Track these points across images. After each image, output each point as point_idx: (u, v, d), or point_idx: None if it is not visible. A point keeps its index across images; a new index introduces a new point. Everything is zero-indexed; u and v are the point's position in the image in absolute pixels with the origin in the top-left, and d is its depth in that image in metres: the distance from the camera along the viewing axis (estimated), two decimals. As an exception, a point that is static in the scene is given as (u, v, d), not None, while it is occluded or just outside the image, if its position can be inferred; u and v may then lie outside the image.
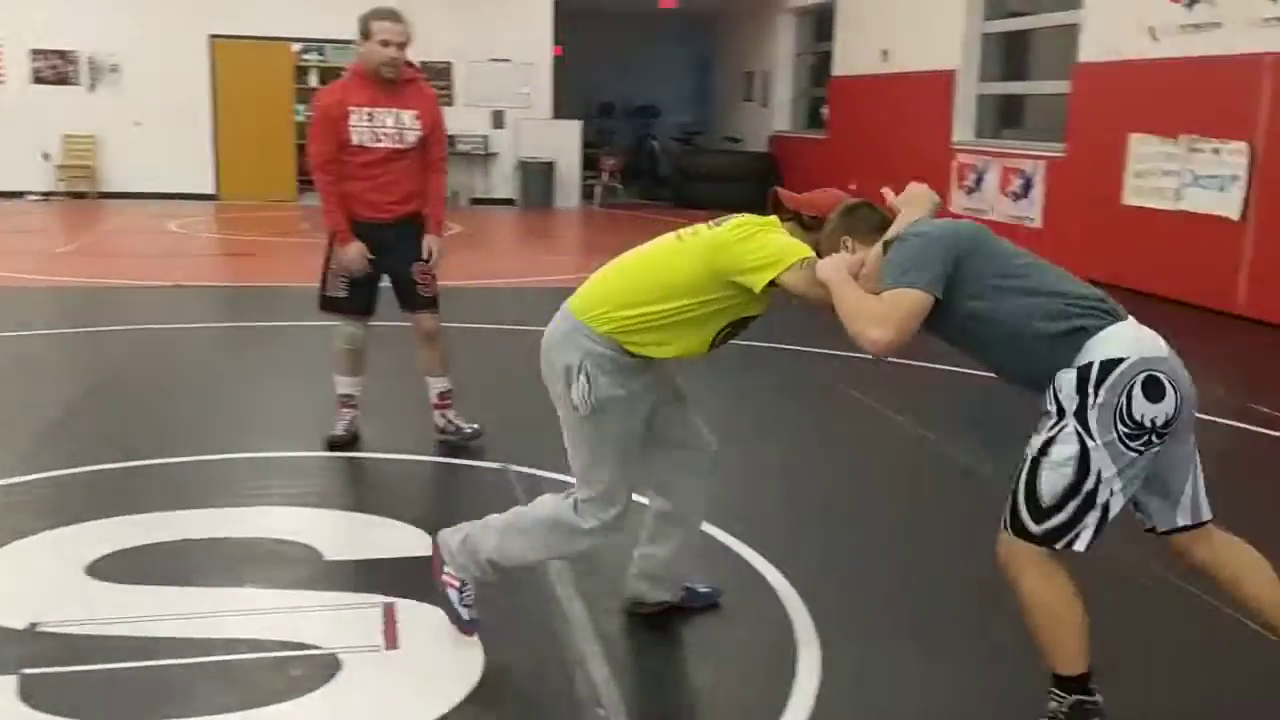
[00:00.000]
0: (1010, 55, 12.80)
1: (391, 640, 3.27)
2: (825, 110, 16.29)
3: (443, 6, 15.71)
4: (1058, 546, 2.63)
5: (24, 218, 13.63)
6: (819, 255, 2.87)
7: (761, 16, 18.24)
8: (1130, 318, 2.66)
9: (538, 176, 16.86)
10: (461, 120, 15.47)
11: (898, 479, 5.09)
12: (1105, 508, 2.59)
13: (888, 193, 2.95)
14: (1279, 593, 2.72)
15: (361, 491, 4.67)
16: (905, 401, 6.16)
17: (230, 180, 16.26)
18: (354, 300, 4.83)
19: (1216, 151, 8.83)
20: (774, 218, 3.00)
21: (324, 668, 3.07)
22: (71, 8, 15.31)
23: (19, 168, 15.18)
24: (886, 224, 2.85)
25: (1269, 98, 8.40)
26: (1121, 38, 9.84)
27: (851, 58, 15.29)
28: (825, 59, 16.41)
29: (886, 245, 2.77)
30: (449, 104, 16.10)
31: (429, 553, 3.37)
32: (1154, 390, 2.54)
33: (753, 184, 16.52)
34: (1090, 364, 2.56)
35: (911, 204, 2.88)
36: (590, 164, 17.90)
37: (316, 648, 3.18)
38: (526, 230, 15.03)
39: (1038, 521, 2.62)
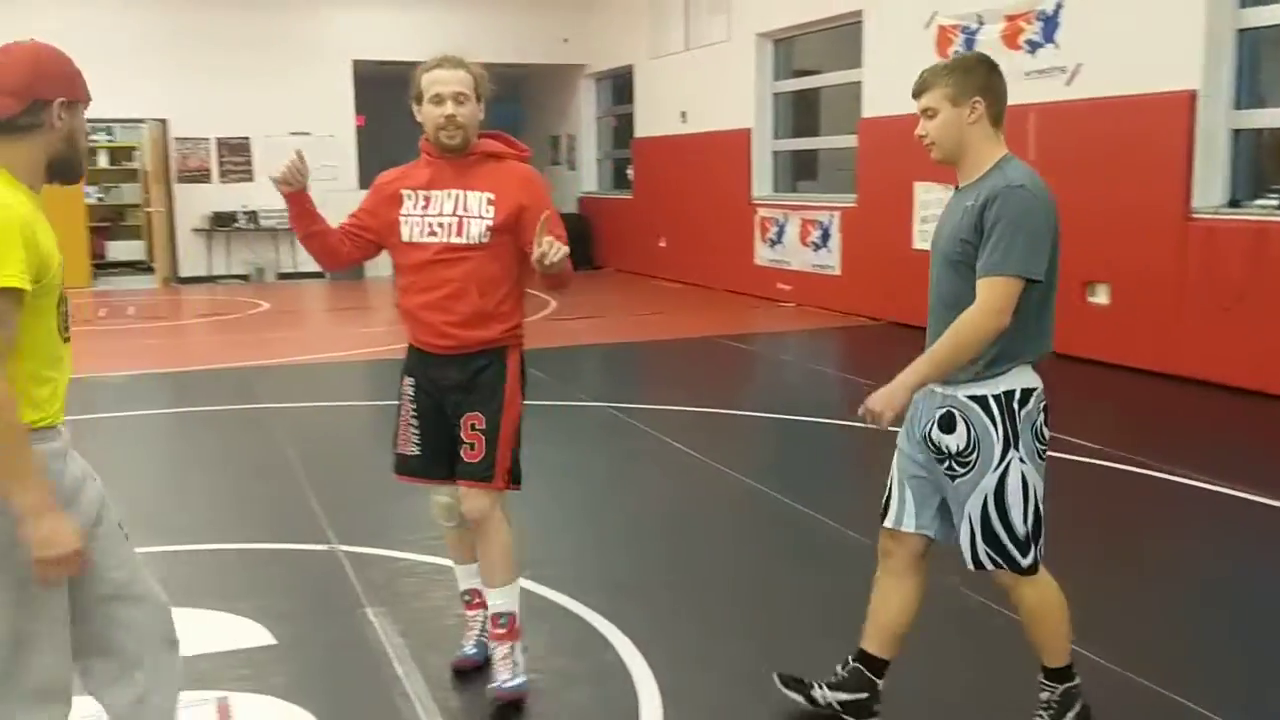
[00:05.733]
0: (801, 113, 13.38)
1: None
2: (630, 170, 16.64)
3: (234, 79, 15.47)
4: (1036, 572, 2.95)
5: None
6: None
7: (564, 81, 18.51)
8: None
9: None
10: (264, 196, 15.07)
11: (720, 518, 5.17)
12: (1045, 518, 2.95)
13: None
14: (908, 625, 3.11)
15: (188, 585, 4.40)
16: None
17: (16, 268, 15.02)
18: (427, 460, 3.43)
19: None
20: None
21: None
22: None
23: None
24: None
25: (1033, 145, 9.16)
26: (901, 93, 10.47)
27: (652, 119, 15.67)
28: (628, 121, 16.80)
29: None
30: (247, 179, 15.87)
31: (264, 643, 3.47)
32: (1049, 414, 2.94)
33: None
34: (1012, 391, 2.85)
35: None
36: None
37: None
38: (337, 303, 14.64)
39: (1024, 553, 2.90)
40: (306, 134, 16.07)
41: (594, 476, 6.02)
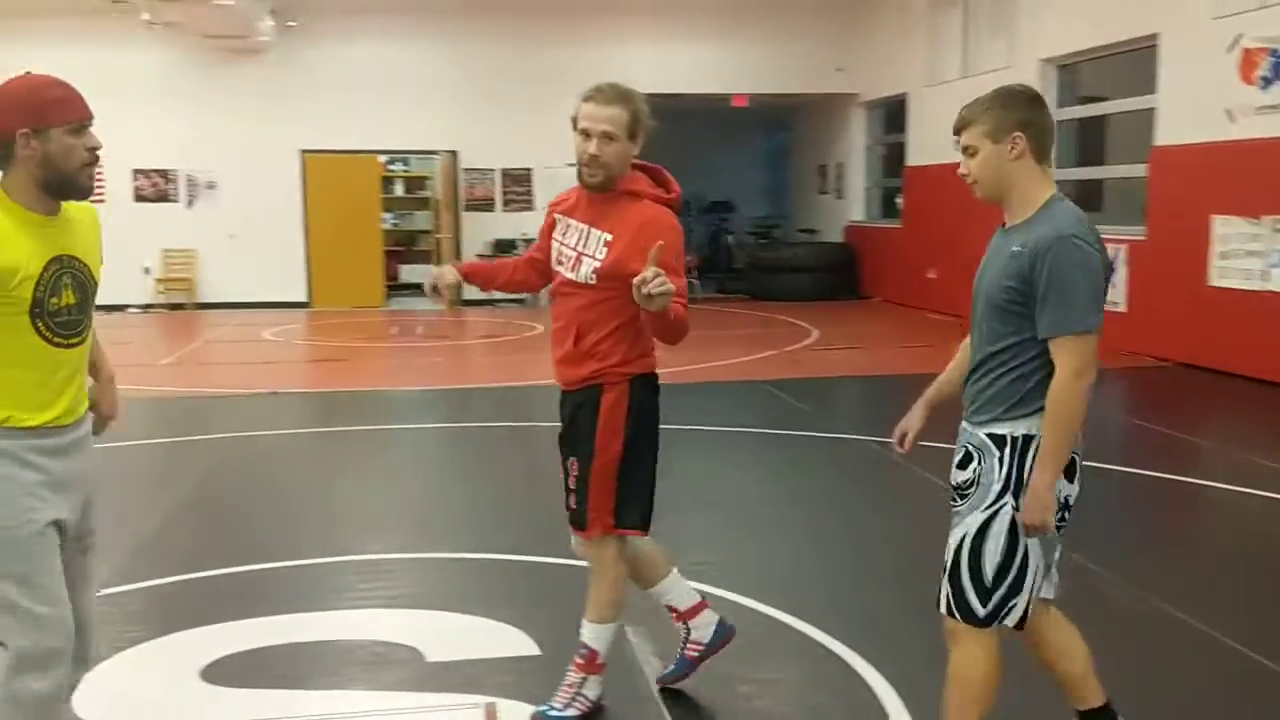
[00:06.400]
0: (1086, 140, 12.78)
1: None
2: (899, 199, 16.37)
3: (520, 112, 16.24)
4: (995, 624, 2.74)
5: (126, 330, 13.97)
6: None
7: (834, 110, 18.46)
8: None
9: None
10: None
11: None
12: (1032, 586, 2.73)
13: None
14: (1088, 668, 2.89)
15: (461, 592, 4.67)
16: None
17: (322, 288, 16.78)
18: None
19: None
20: None
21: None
22: (171, 129, 16.18)
23: (121, 282, 15.59)
24: None
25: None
26: (1198, 120, 9.86)
27: (925, 148, 15.39)
28: (897, 149, 16.58)
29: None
30: (527, 209, 16.47)
31: (529, 652, 3.62)
32: (1071, 470, 2.69)
33: (830, 274, 16.76)
34: (1030, 436, 2.65)
35: None
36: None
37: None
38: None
39: (984, 602, 2.71)
40: (583, 164, 16.74)
41: (854, 511, 5.92)
